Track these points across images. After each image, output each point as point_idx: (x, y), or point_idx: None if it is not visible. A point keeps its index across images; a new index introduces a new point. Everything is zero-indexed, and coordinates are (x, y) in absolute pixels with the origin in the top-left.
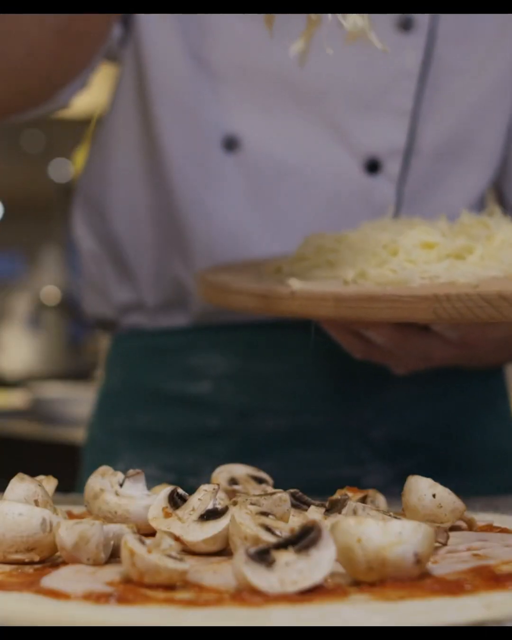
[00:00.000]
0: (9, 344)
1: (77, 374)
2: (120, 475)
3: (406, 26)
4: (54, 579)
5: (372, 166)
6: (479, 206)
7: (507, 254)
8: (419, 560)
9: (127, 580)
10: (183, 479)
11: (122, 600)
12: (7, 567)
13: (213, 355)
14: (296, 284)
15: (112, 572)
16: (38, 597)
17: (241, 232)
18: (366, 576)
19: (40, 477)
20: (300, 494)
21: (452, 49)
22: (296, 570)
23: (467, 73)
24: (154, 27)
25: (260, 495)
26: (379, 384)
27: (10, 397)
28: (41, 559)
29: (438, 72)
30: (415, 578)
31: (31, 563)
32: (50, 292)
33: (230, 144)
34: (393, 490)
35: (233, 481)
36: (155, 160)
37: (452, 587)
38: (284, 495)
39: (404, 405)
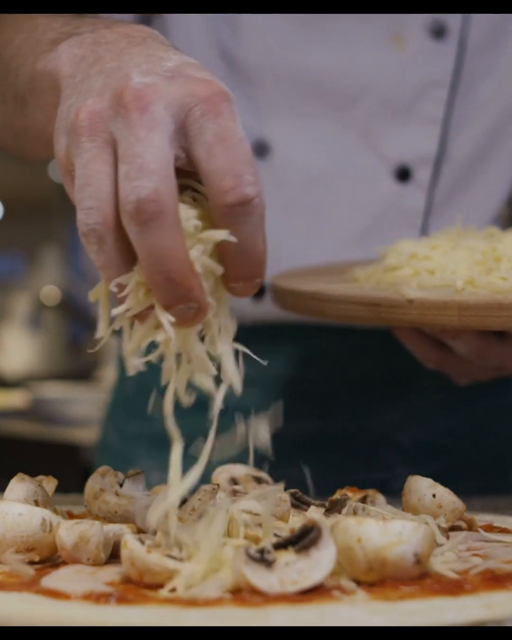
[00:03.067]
0: (9, 344)
1: (77, 374)
2: (120, 475)
3: (439, 33)
4: (54, 579)
5: (403, 174)
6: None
7: None
8: (419, 560)
9: (127, 580)
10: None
11: (122, 600)
12: (8, 567)
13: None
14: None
15: (112, 572)
16: (38, 597)
17: (269, 238)
18: (366, 576)
19: (40, 477)
20: (300, 494)
21: (482, 55)
22: (296, 570)
23: (497, 79)
24: (182, 24)
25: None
26: (405, 387)
27: (10, 397)
28: (41, 559)
29: (469, 80)
30: (415, 578)
31: (31, 563)
32: (50, 292)
33: (261, 150)
34: None
35: (233, 481)
36: None
37: (452, 587)
38: (284, 495)
39: (430, 409)
